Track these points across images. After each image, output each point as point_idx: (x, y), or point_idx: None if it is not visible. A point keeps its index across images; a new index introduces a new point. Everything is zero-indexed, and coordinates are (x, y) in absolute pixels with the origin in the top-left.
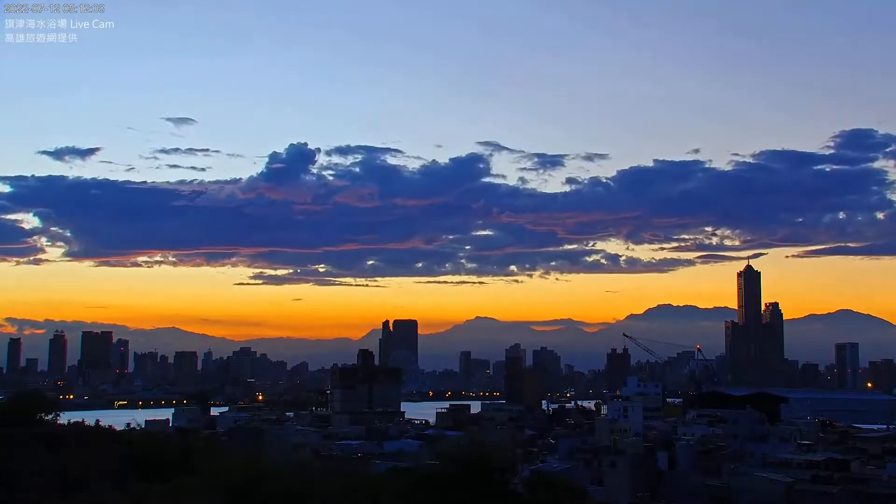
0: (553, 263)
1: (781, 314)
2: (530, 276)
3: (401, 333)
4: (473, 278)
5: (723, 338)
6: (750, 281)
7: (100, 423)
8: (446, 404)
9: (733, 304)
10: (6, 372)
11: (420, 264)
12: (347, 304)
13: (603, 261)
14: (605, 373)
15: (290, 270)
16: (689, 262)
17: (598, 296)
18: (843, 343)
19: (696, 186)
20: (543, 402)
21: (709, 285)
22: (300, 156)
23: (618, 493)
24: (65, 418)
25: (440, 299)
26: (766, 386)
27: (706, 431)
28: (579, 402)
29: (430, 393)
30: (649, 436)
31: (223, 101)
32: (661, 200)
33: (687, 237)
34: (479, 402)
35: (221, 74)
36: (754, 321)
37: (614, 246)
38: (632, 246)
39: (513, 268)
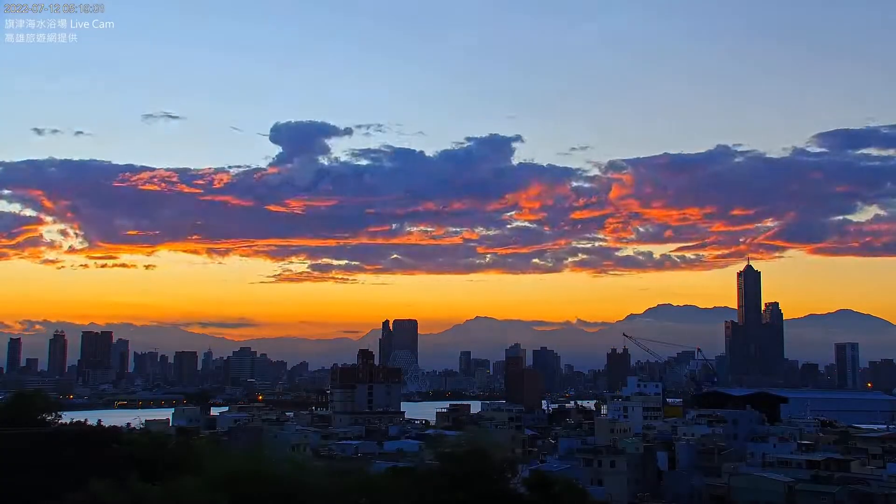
0: (576, 259)
1: (781, 314)
2: (557, 272)
3: (401, 333)
4: (494, 274)
5: (723, 338)
6: (750, 281)
7: (101, 423)
8: (446, 404)
9: (733, 304)
10: (6, 372)
11: (441, 259)
12: (363, 302)
13: (641, 256)
14: (605, 373)
15: (306, 266)
16: (691, 262)
17: (602, 294)
18: (843, 343)
19: (700, 184)
20: (543, 402)
21: (709, 285)
22: (315, 136)
23: (618, 493)
24: (65, 418)
25: (446, 297)
26: (766, 386)
27: (706, 431)
28: (579, 402)
29: (431, 393)
30: (649, 436)
31: (230, 95)
32: (666, 198)
33: (688, 236)
34: (479, 402)
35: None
36: (754, 321)
37: (624, 244)
38: (635, 244)
39: (536, 261)
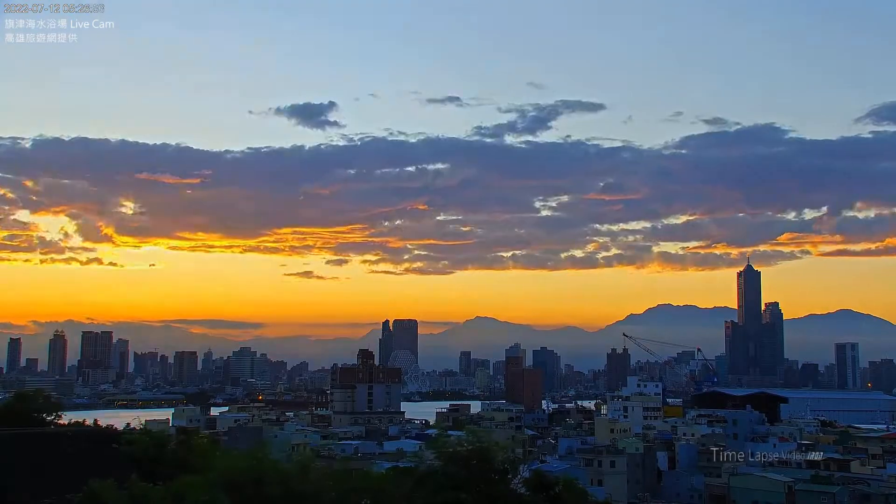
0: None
1: (781, 314)
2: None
3: (401, 333)
4: (513, 270)
5: (723, 338)
6: (750, 281)
7: (98, 423)
8: (446, 404)
9: (733, 304)
10: (6, 372)
11: (473, 254)
12: (363, 302)
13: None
14: (605, 373)
15: (313, 264)
16: (691, 261)
17: (601, 293)
18: (843, 343)
19: (700, 180)
20: (543, 402)
21: (709, 285)
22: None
23: (618, 493)
24: (65, 418)
25: (444, 296)
26: (766, 386)
27: (706, 431)
28: (579, 402)
29: (431, 393)
30: (649, 436)
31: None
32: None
33: (688, 235)
34: (479, 402)
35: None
36: (754, 321)
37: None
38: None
39: (563, 255)
